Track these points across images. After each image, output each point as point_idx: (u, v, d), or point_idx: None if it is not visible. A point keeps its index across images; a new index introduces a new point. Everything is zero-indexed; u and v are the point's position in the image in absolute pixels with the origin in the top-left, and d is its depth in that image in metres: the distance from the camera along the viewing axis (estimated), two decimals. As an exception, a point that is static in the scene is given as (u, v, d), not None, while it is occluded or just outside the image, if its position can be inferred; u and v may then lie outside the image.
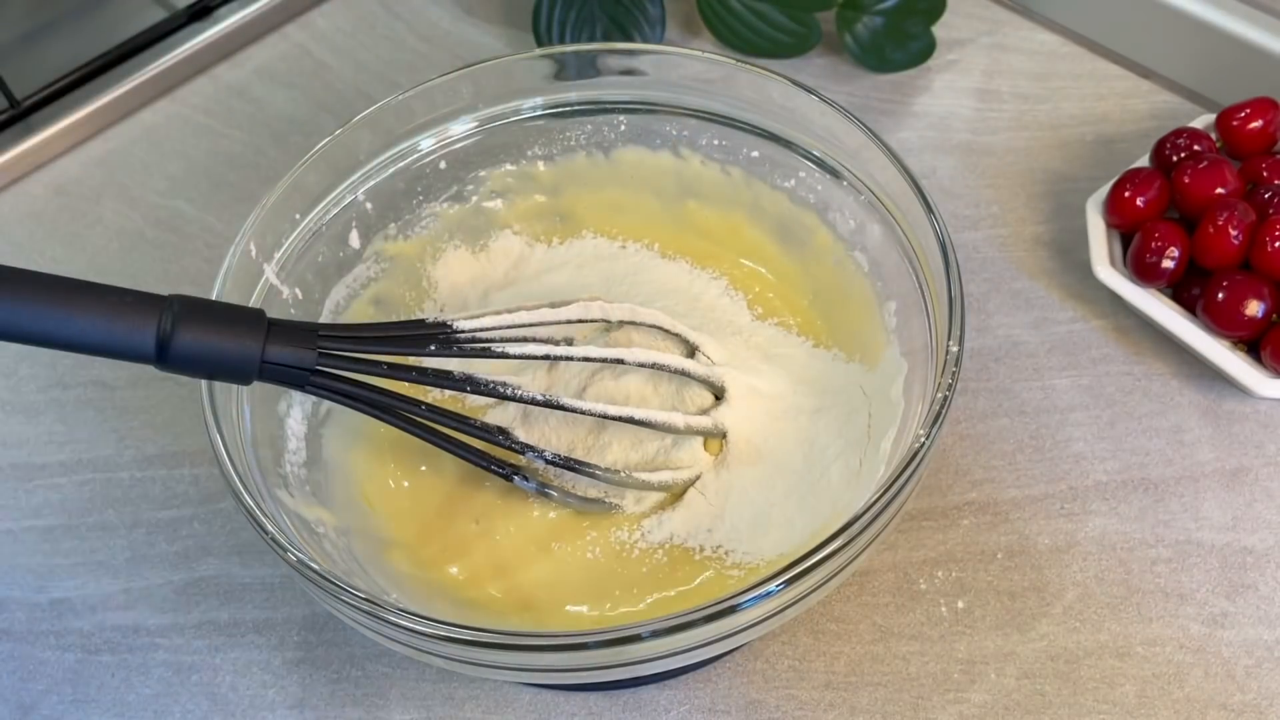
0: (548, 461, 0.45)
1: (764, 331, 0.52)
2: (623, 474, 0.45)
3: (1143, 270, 0.53)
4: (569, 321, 0.45)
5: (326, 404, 0.48)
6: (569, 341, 0.45)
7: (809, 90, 0.49)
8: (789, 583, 0.36)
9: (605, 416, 0.44)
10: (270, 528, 0.38)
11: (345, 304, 0.52)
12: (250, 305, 0.46)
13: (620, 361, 0.45)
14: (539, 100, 0.53)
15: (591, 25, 0.68)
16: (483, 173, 0.54)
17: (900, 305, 0.48)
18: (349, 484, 0.48)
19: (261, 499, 0.40)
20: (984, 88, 0.68)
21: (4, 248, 0.65)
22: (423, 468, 0.48)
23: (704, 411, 0.47)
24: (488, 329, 0.43)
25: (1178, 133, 0.57)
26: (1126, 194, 0.55)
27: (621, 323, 0.46)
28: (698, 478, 0.47)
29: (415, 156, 0.52)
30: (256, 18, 0.74)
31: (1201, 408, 0.54)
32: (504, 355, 0.42)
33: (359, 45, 0.73)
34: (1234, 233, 0.51)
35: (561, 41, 0.68)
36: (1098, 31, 0.69)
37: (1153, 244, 0.53)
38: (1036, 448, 0.53)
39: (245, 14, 0.73)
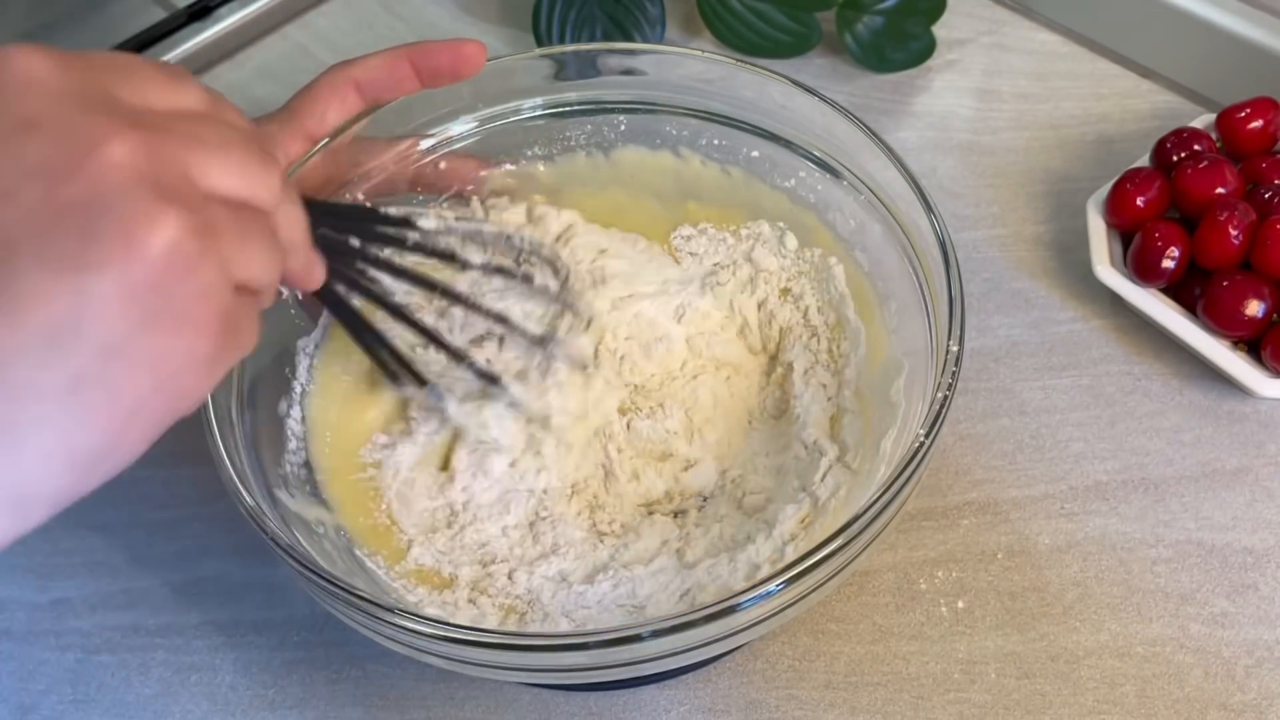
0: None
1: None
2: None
3: (1143, 270, 0.53)
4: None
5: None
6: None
7: (809, 90, 0.49)
8: (789, 583, 0.36)
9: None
10: (270, 528, 0.38)
11: (345, 304, 0.52)
12: None
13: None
14: (539, 100, 0.53)
15: (591, 25, 0.68)
16: (483, 173, 0.54)
17: (900, 305, 0.48)
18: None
19: (261, 499, 0.40)
20: (984, 87, 0.68)
21: (4, 248, 0.65)
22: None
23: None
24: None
25: (1178, 132, 0.57)
26: (1127, 194, 0.55)
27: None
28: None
29: (415, 156, 0.52)
30: (256, 18, 0.74)
31: (1201, 408, 0.54)
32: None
33: (359, 45, 0.73)
34: (1234, 232, 0.51)
35: (561, 41, 0.68)
36: (1098, 31, 0.69)
37: (1153, 244, 0.53)
38: (1036, 448, 0.53)
39: (245, 14, 0.73)
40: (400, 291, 0.47)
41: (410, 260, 0.45)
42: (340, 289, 0.43)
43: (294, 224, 0.33)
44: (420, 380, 0.46)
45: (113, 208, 0.26)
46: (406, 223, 0.44)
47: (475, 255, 0.48)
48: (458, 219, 0.48)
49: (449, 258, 0.46)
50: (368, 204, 0.48)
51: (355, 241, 0.42)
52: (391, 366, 0.46)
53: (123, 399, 0.27)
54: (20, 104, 0.27)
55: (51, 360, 0.25)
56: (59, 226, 0.25)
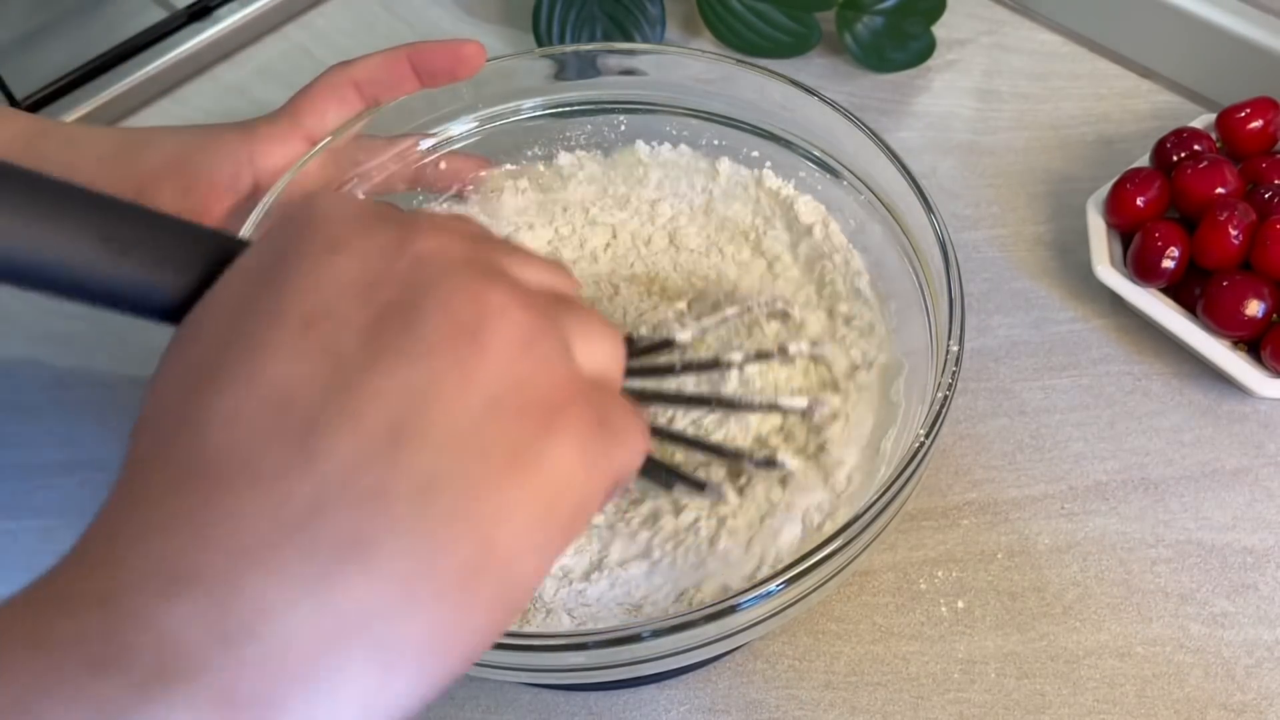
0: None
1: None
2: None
3: (1143, 270, 0.53)
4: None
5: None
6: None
7: (809, 90, 0.49)
8: (789, 583, 0.36)
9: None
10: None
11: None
12: None
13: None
14: (539, 100, 0.53)
15: (591, 25, 0.68)
16: (483, 173, 0.54)
17: (900, 305, 0.48)
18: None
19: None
20: (984, 88, 0.68)
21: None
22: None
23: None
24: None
25: (1178, 132, 0.57)
26: (1127, 194, 0.55)
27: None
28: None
29: (415, 156, 0.52)
30: (256, 18, 0.74)
31: (1201, 408, 0.54)
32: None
33: (359, 45, 0.73)
34: (1234, 232, 0.51)
35: (561, 41, 0.68)
36: (1098, 31, 0.69)
37: (1153, 244, 0.53)
38: (1036, 448, 0.53)
39: (245, 14, 0.73)
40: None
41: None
42: None
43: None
44: (699, 485, 0.42)
45: (431, 291, 0.24)
46: (667, 343, 0.43)
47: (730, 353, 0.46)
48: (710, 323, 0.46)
49: (713, 366, 0.44)
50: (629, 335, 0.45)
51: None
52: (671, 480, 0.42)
53: (483, 497, 0.23)
54: (326, 230, 0.26)
55: (398, 461, 0.22)
56: (382, 328, 0.24)
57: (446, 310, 0.24)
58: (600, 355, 0.27)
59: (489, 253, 0.27)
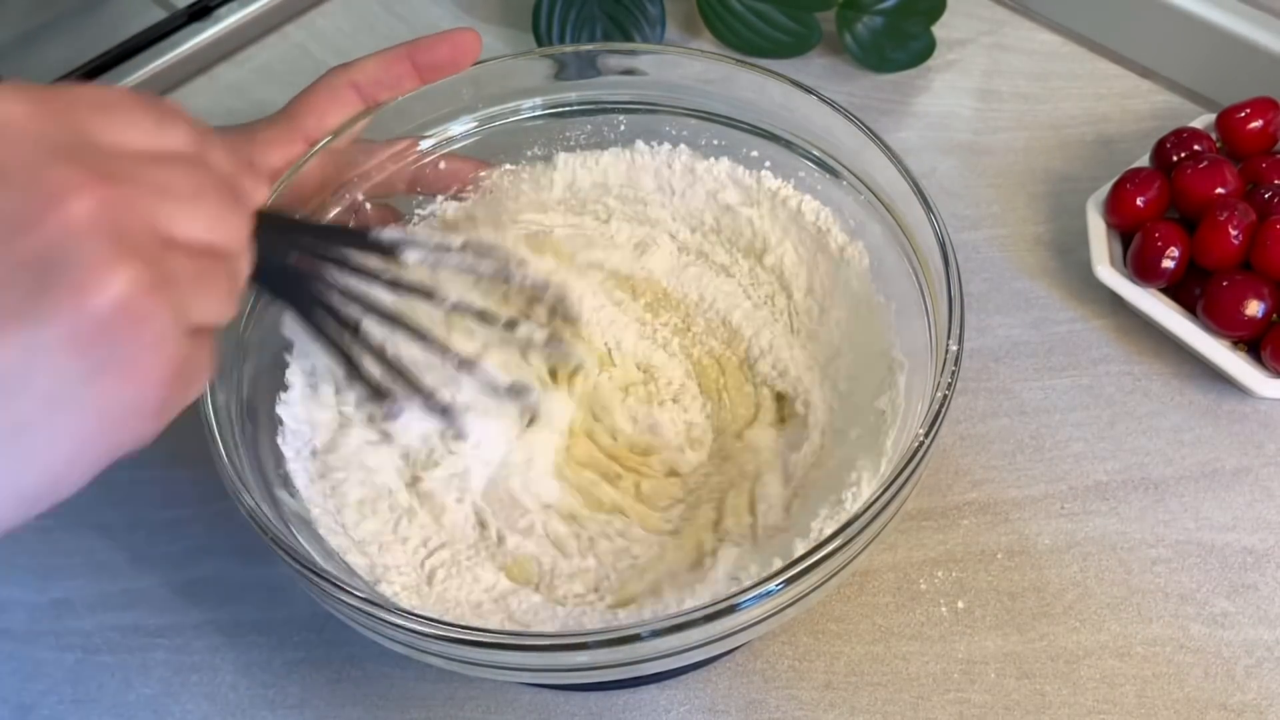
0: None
1: None
2: None
3: (1143, 270, 0.53)
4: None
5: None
6: None
7: (809, 90, 0.49)
8: (789, 582, 0.36)
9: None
10: (270, 528, 0.38)
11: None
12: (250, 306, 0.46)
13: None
14: (539, 100, 0.53)
15: (591, 25, 0.68)
16: (482, 173, 0.54)
17: (900, 305, 0.48)
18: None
19: (261, 499, 0.40)
20: (984, 88, 0.68)
21: (4, 248, 0.65)
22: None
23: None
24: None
25: (1178, 132, 0.57)
26: (1127, 194, 0.55)
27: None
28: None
29: (415, 156, 0.52)
30: (256, 18, 0.74)
31: (1201, 408, 0.54)
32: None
33: (359, 45, 0.73)
34: (1234, 232, 0.51)
35: (561, 41, 0.68)
36: (1098, 31, 0.69)
37: (1153, 244, 0.53)
38: (1036, 448, 0.53)
39: (245, 14, 0.73)
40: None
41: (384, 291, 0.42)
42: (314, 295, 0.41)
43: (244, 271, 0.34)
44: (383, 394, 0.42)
45: (67, 262, 0.26)
46: (393, 250, 0.42)
47: (456, 287, 0.46)
48: (454, 248, 0.45)
49: (426, 296, 0.43)
50: (353, 226, 0.46)
51: (332, 266, 0.41)
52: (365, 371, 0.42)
53: (64, 445, 0.28)
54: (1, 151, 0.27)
55: None
56: (14, 279, 0.26)
57: (75, 286, 0.26)
58: (214, 310, 0.30)
59: (150, 207, 0.28)
